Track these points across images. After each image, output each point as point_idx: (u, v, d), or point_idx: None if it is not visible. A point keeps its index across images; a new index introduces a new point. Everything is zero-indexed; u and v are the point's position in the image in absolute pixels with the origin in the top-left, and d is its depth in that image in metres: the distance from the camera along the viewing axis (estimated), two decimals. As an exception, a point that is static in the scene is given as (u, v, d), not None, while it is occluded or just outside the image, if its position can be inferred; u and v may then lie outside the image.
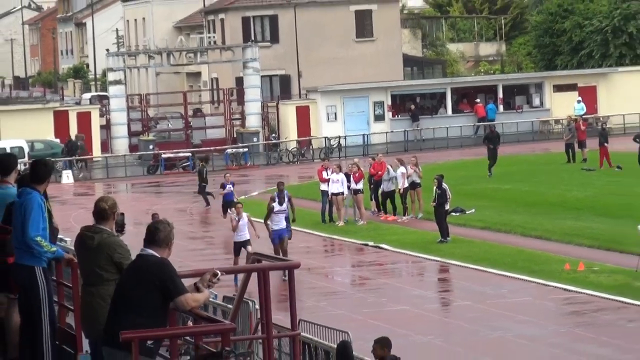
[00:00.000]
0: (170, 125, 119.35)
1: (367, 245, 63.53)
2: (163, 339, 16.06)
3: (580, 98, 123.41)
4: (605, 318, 46.29)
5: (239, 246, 42.96)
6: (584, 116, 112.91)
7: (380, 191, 72.93)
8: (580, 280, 51.64)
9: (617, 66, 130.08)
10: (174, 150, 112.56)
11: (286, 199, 51.87)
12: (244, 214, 42.79)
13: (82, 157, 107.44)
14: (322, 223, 70.46)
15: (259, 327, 17.44)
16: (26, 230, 17.80)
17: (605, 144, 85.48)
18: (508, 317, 48.49)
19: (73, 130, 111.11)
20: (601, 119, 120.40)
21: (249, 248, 41.88)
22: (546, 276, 53.21)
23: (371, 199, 73.41)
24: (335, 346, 31.38)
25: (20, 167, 28.49)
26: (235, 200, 63.37)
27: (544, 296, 51.28)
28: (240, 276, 23.31)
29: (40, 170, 18.95)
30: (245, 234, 42.49)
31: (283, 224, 45.87)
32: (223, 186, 64.55)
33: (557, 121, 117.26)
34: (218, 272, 16.25)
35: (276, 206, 44.54)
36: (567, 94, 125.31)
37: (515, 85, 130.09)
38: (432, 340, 45.49)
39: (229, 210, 49.27)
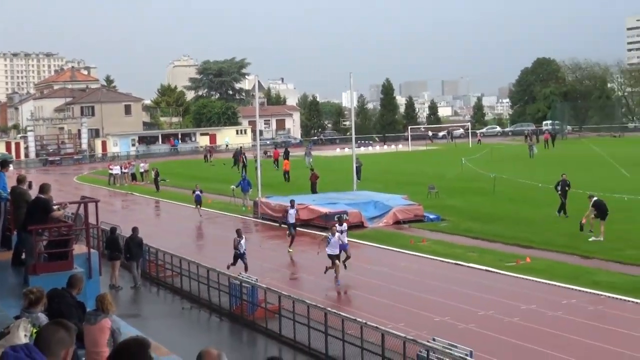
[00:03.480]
0: (52, 147, 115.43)
1: (128, 193, 62.33)
2: (45, 229, 15.66)
3: (227, 138, 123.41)
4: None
5: (333, 258, 27.02)
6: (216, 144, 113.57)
7: (131, 172, 72.07)
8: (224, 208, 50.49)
9: (224, 127, 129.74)
10: (54, 156, 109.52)
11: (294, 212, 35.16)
12: (337, 234, 27.69)
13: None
14: (109, 185, 68.98)
15: (84, 225, 16.94)
16: None
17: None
18: (187, 221, 46.70)
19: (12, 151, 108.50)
20: (226, 146, 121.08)
21: (337, 263, 27.07)
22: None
23: (130, 175, 72.07)
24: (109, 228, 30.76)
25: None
26: (201, 198, 47.87)
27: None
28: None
29: (4, 163, 19.31)
30: (336, 249, 27.09)
31: (345, 240, 28.27)
32: (194, 192, 48.21)
33: (201, 146, 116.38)
34: (67, 203, 16.07)
35: (337, 227, 28.65)
36: (204, 137, 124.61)
37: (186, 133, 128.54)
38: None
39: (327, 234, 28.04)
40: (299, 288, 25.73)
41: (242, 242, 28.23)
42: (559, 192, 39.25)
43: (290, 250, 33.16)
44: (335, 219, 32.20)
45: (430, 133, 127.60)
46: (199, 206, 47.03)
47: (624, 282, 24.92)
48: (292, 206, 34.98)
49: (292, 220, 34.28)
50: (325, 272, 26.92)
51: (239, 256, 28.09)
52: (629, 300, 22.51)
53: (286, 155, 73.14)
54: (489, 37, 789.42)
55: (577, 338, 19.12)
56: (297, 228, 35.14)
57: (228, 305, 24.21)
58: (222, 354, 5.33)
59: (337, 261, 26.92)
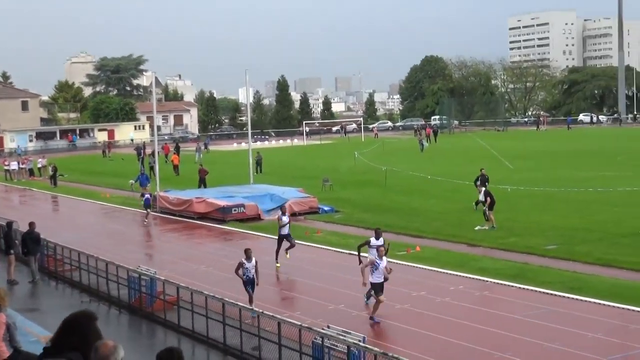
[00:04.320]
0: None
1: (26, 188, 60.54)
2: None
3: (132, 133, 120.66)
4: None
5: (378, 286, 20.27)
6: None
7: (28, 168, 69.90)
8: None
9: (122, 122, 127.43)
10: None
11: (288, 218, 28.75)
12: (384, 259, 20.76)
13: None
14: (6, 180, 66.83)
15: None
16: None
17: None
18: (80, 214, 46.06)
19: None
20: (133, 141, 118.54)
21: (382, 297, 20.15)
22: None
23: (27, 171, 69.94)
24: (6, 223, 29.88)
25: None
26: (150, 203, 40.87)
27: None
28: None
29: None
30: (381, 277, 20.42)
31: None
32: (142, 195, 41.54)
33: (99, 142, 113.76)
34: None
35: (372, 241, 22.68)
36: (103, 132, 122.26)
37: (84, 129, 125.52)
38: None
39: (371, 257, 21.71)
40: (198, 279, 25.52)
41: (249, 265, 21.49)
42: (478, 186, 39.08)
43: (287, 256, 28.23)
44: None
45: (307, 129, 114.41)
46: (148, 210, 40.72)
47: (508, 267, 25.53)
48: (284, 213, 29.11)
49: (286, 231, 28.40)
50: (367, 300, 21.70)
51: (247, 283, 21.55)
52: (512, 285, 23.06)
53: (176, 150, 73.16)
54: (380, 36, 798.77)
55: (465, 322, 19.50)
56: (196, 220, 34.72)
57: (127, 297, 23.85)
58: (117, 345, 5.21)
59: (382, 296, 20.50)
